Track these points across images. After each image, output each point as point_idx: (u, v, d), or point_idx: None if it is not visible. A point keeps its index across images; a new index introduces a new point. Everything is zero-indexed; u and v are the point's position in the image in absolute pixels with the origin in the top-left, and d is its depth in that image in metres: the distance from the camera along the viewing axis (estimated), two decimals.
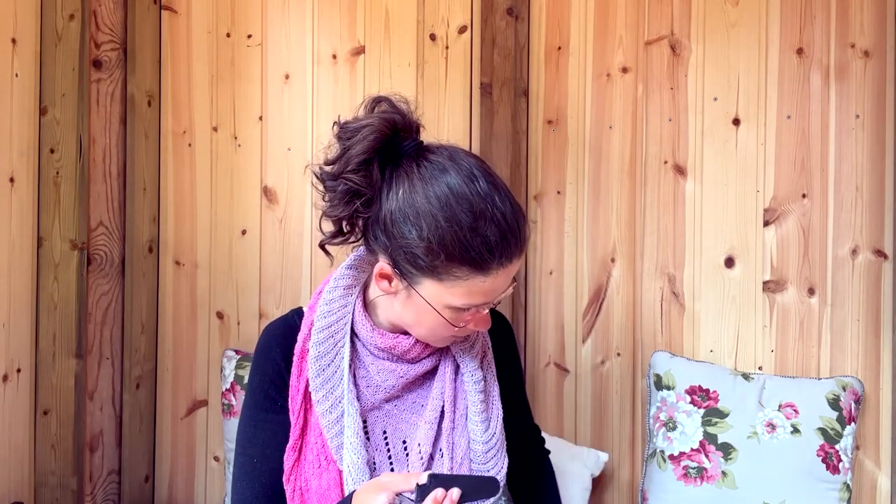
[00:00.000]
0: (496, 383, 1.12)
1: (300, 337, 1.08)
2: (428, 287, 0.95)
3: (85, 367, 1.92)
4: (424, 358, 1.08)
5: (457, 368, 1.09)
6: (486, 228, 0.91)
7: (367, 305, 1.09)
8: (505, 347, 1.22)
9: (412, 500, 0.86)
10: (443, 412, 1.07)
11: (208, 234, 2.09)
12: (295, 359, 1.07)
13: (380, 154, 0.95)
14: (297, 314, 1.13)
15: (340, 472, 1.03)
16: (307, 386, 1.05)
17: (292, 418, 1.06)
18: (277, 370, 1.09)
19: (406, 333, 1.06)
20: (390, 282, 0.99)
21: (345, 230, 1.01)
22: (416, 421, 1.08)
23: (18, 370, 1.87)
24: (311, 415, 1.05)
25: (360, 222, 1.00)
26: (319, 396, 1.04)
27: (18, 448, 1.87)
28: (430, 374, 1.10)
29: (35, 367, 1.91)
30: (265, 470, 1.06)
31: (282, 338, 1.10)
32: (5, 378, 1.83)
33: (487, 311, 1.01)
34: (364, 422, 1.06)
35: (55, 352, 1.91)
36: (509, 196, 0.95)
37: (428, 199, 0.91)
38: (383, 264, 0.98)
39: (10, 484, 1.84)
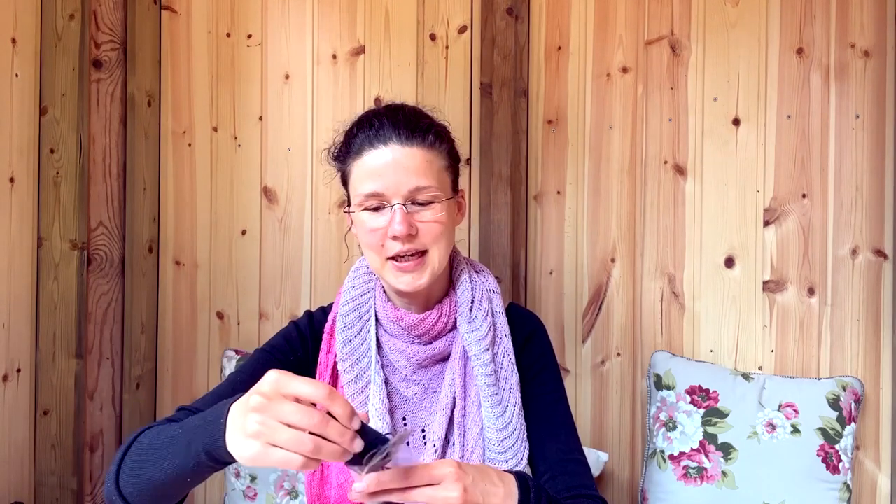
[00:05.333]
0: (515, 372, 1.10)
1: (330, 316, 1.14)
2: (352, 201, 1.07)
3: (85, 367, 1.92)
4: (434, 339, 1.09)
5: (467, 354, 1.10)
6: (356, 124, 1.07)
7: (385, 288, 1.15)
8: (528, 343, 1.17)
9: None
10: (455, 399, 1.07)
11: (208, 234, 2.09)
12: (325, 335, 1.12)
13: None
14: (333, 304, 1.19)
15: None
16: (335, 363, 1.10)
17: None
18: (298, 334, 1.14)
19: (416, 311, 1.09)
20: (349, 219, 1.11)
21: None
22: (434, 409, 1.09)
23: (18, 370, 1.87)
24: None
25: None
26: (346, 366, 1.08)
27: (18, 448, 1.87)
28: (445, 361, 1.11)
29: (35, 367, 1.91)
30: (239, 387, 1.05)
31: (316, 318, 1.16)
32: (5, 378, 1.83)
33: (396, 212, 1.01)
34: (388, 402, 1.09)
35: (55, 352, 1.91)
36: (406, 107, 1.08)
37: (344, 138, 1.10)
38: (347, 208, 1.12)
39: (10, 484, 1.84)
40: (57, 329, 1.91)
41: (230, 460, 0.78)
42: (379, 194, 1.02)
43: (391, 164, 1.02)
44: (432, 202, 1.03)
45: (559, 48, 1.90)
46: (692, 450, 1.66)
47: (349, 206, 1.10)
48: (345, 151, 1.07)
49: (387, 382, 1.09)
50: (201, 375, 2.09)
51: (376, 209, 1.03)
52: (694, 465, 1.65)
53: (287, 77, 2.04)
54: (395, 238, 1.01)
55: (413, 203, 1.02)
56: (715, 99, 1.82)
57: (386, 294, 1.12)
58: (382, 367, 1.09)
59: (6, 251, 1.83)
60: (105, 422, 1.98)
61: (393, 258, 1.03)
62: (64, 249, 1.92)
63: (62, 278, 1.91)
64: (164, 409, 2.10)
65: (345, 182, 1.10)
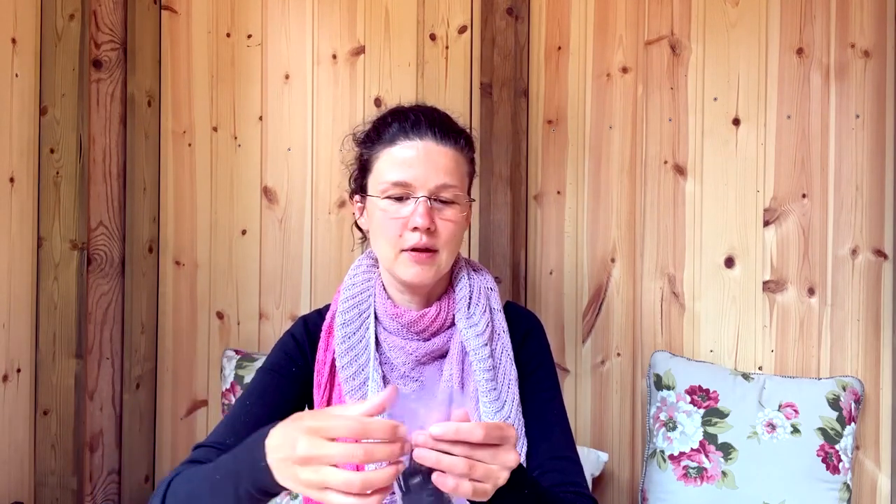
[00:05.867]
0: (513, 368, 1.11)
1: (328, 315, 1.14)
2: (371, 187, 1.09)
3: (85, 367, 1.92)
4: (433, 335, 1.10)
5: (465, 350, 1.10)
6: (390, 114, 1.10)
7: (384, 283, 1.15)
8: (527, 340, 1.17)
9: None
10: (453, 395, 1.08)
11: (208, 234, 2.09)
12: (322, 334, 1.13)
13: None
14: (329, 305, 1.19)
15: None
16: (333, 360, 1.10)
17: (317, 393, 1.10)
18: (296, 345, 1.15)
19: (415, 307, 1.10)
20: (358, 205, 1.13)
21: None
22: (432, 405, 1.09)
23: (18, 370, 1.87)
24: (335, 389, 1.10)
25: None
26: (344, 362, 1.08)
27: (18, 448, 1.87)
28: (443, 358, 1.11)
29: (35, 367, 1.91)
30: (252, 411, 1.07)
31: (311, 321, 1.17)
32: (5, 378, 1.83)
33: (421, 204, 1.02)
34: None
35: (55, 352, 1.91)
36: (440, 110, 1.11)
37: (369, 128, 1.12)
38: (356, 196, 1.14)
39: (10, 484, 1.84)
40: (57, 329, 1.91)
41: (282, 490, 0.79)
42: (407, 184, 1.04)
43: (423, 157, 1.04)
44: (454, 202, 1.06)
45: (559, 48, 1.90)
46: (692, 450, 1.66)
47: (363, 192, 1.10)
48: (374, 137, 1.09)
49: (385, 379, 1.09)
50: (201, 375, 2.09)
51: (399, 199, 1.04)
52: (694, 465, 1.65)
53: (287, 77, 2.04)
54: (415, 229, 1.03)
55: (437, 199, 1.04)
56: (715, 99, 1.82)
57: (386, 291, 1.12)
58: (381, 364, 1.10)
59: (6, 251, 1.83)
60: (105, 422, 1.98)
61: (406, 249, 1.04)
62: (64, 249, 1.92)
63: (62, 278, 1.91)
64: (164, 409, 2.10)
65: (364, 168, 1.10)
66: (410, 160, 1.04)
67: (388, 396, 0.74)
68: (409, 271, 1.05)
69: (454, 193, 1.05)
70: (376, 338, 1.11)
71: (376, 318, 1.12)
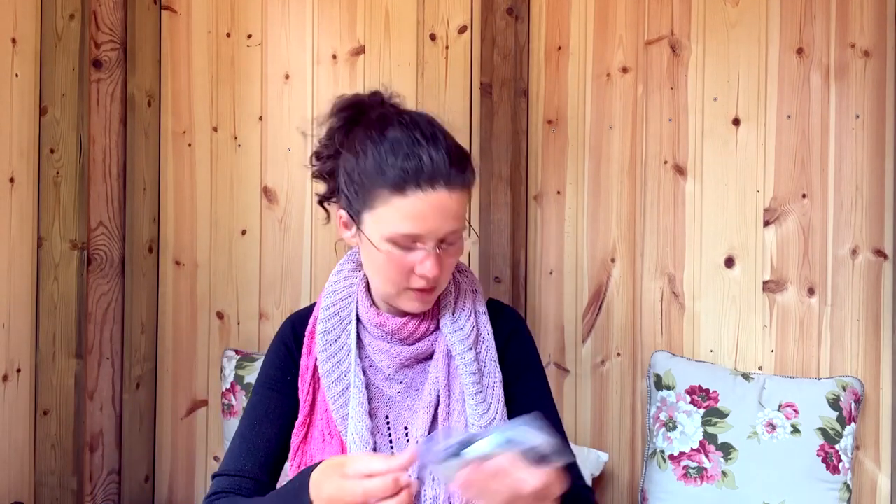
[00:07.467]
0: (498, 371, 1.10)
1: (311, 319, 1.14)
2: (368, 223, 1.01)
3: (85, 367, 1.92)
4: (418, 340, 1.09)
5: (450, 353, 1.10)
6: (401, 155, 0.98)
7: (369, 287, 1.13)
8: (511, 341, 1.16)
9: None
10: (439, 398, 1.08)
11: (208, 234, 2.09)
12: (306, 339, 1.12)
13: (346, 122, 1.07)
14: (316, 304, 1.18)
15: (343, 446, 1.06)
16: (316, 364, 1.10)
17: (301, 397, 1.11)
18: (287, 353, 1.15)
19: (399, 315, 1.09)
20: (348, 227, 1.08)
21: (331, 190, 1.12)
22: (417, 407, 1.09)
23: (18, 370, 1.87)
24: (318, 394, 1.10)
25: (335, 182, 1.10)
26: (326, 369, 1.08)
27: (18, 448, 1.87)
28: (428, 360, 1.11)
29: (35, 367, 1.91)
30: (262, 432, 1.10)
31: (298, 324, 1.16)
32: (5, 378, 1.83)
33: (431, 255, 0.99)
34: (369, 404, 1.09)
35: (55, 352, 1.91)
36: (444, 137, 1.01)
37: (365, 144, 1.01)
38: (341, 211, 1.08)
39: (10, 484, 1.84)
40: (57, 329, 1.91)
41: None
42: (419, 237, 0.99)
43: (437, 209, 0.98)
44: (458, 240, 1.03)
45: (559, 48, 1.90)
46: (692, 450, 1.66)
47: (355, 219, 1.05)
48: (374, 168, 0.99)
49: (369, 382, 1.09)
50: (201, 375, 2.09)
51: (407, 247, 1.00)
52: (694, 465, 1.65)
53: (287, 77, 2.04)
54: (423, 277, 1.00)
55: (444, 242, 1.01)
56: (715, 99, 1.82)
57: (370, 298, 1.11)
58: (365, 367, 1.10)
59: (6, 251, 1.83)
60: (105, 422, 1.98)
61: (411, 289, 1.03)
62: (64, 249, 1.92)
63: (62, 278, 1.91)
64: (164, 409, 2.10)
65: (355, 188, 1.02)
66: (424, 213, 0.97)
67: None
68: (412, 305, 1.04)
69: (459, 234, 1.02)
70: (360, 340, 1.10)
71: (359, 320, 1.11)
